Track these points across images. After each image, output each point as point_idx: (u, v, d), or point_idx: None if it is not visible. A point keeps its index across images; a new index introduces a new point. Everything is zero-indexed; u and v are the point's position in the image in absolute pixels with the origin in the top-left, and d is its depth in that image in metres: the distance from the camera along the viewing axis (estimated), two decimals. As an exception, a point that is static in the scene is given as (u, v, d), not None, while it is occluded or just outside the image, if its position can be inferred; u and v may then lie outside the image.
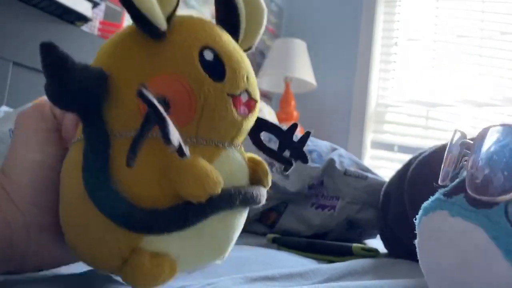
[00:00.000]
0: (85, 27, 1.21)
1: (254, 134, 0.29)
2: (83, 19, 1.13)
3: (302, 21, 2.24)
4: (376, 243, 0.71)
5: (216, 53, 0.25)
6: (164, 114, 0.19)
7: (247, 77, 0.26)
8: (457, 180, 0.25)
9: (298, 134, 0.30)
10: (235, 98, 0.25)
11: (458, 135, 0.27)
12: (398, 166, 0.62)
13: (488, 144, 0.24)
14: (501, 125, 0.24)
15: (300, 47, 1.98)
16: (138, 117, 0.20)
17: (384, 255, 0.57)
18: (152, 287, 0.23)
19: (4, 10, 0.98)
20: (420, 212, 0.26)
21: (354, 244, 0.56)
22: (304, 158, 0.30)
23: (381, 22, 2.10)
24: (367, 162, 1.95)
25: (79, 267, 0.30)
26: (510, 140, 0.23)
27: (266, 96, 2.14)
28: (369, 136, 2.04)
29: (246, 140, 0.29)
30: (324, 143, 0.83)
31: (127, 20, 1.41)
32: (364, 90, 2.04)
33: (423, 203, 0.51)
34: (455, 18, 1.95)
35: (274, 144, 0.30)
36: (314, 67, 2.00)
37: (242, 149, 0.28)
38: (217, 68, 0.24)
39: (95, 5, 1.14)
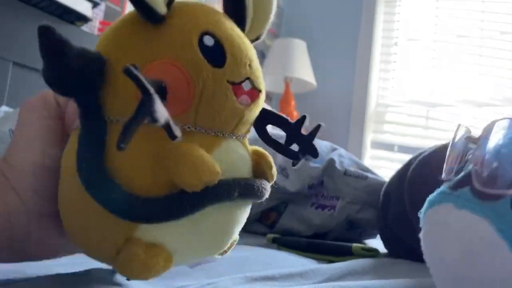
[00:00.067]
0: (85, 27, 1.21)
1: (259, 126, 0.28)
2: (83, 19, 1.13)
3: (302, 21, 2.24)
4: (376, 243, 0.71)
5: (217, 38, 0.24)
6: (152, 92, 0.18)
7: (249, 65, 0.25)
8: (462, 173, 0.25)
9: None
10: (235, 86, 0.24)
11: (462, 130, 0.27)
12: (398, 166, 0.62)
13: (495, 137, 0.24)
14: (508, 118, 0.24)
15: (300, 47, 1.98)
16: (134, 102, 0.19)
17: (384, 255, 0.57)
18: (146, 278, 0.22)
19: (4, 10, 0.98)
20: (425, 205, 0.26)
21: (354, 244, 0.56)
22: (314, 153, 0.28)
23: (381, 22, 2.10)
24: (367, 162, 1.95)
25: (77, 267, 0.30)
26: None
27: (266, 96, 2.13)
28: (369, 136, 2.04)
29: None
30: (324, 143, 0.83)
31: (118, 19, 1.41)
32: (364, 90, 2.04)
33: (423, 203, 0.51)
34: (455, 18, 1.95)
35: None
36: (314, 67, 2.00)
37: (246, 140, 0.27)
38: (217, 54, 0.24)
39: (95, 5, 1.14)
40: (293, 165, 0.29)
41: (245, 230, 0.28)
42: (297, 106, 1.98)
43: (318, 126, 0.29)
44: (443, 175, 0.27)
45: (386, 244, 0.61)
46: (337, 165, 0.73)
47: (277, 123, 0.29)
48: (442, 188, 0.26)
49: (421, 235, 0.26)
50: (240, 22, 0.27)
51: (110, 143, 0.22)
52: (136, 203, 0.21)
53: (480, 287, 0.22)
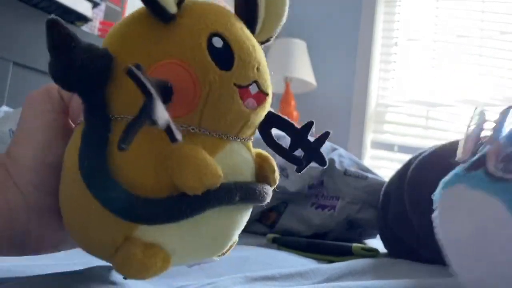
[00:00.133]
0: (85, 27, 1.21)
1: (264, 129, 0.28)
2: (83, 19, 1.13)
3: (302, 21, 2.24)
4: (376, 243, 0.71)
5: (226, 40, 0.24)
6: (154, 93, 0.18)
7: (257, 68, 0.25)
8: (477, 156, 0.26)
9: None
10: (242, 89, 0.24)
11: (478, 112, 0.28)
12: (398, 166, 0.62)
13: (510, 122, 0.25)
14: None
15: (300, 47, 1.98)
16: (140, 101, 0.18)
17: (384, 255, 0.57)
18: (143, 278, 0.22)
19: (4, 10, 0.98)
20: (439, 186, 0.26)
21: (354, 244, 0.56)
22: (322, 161, 0.28)
23: (381, 22, 2.10)
24: (367, 162, 1.95)
25: (77, 267, 0.30)
26: None
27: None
28: (369, 136, 2.04)
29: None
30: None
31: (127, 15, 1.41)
32: (364, 90, 2.04)
33: (423, 203, 0.51)
34: (455, 18, 1.95)
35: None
36: (314, 67, 2.00)
37: (250, 144, 0.27)
38: (225, 56, 0.23)
39: (95, 5, 1.14)
40: (297, 171, 0.28)
41: (245, 230, 0.28)
42: (297, 106, 1.98)
43: (327, 134, 0.28)
44: (458, 157, 0.27)
45: (386, 244, 0.61)
46: (337, 165, 0.73)
47: (283, 127, 0.28)
48: (457, 170, 0.26)
49: (434, 215, 0.26)
50: (251, 23, 0.26)
51: (113, 141, 0.22)
52: (137, 204, 0.21)
53: (494, 264, 0.22)
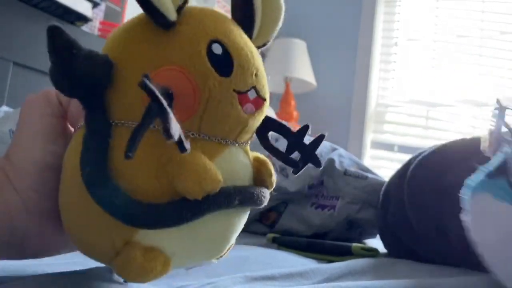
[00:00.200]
0: (85, 27, 1.21)
1: (261, 133, 0.28)
2: (83, 19, 1.13)
3: (302, 21, 2.24)
4: (376, 243, 0.71)
5: (225, 47, 0.24)
6: (166, 106, 0.19)
7: (256, 74, 0.25)
8: (499, 160, 0.29)
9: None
10: (241, 94, 0.24)
11: (500, 106, 0.30)
12: (398, 166, 0.62)
13: None
14: None
15: (300, 47, 1.98)
16: (140, 107, 0.19)
17: (384, 255, 0.57)
18: (143, 282, 0.23)
19: (4, 10, 0.98)
20: (466, 189, 0.28)
21: (354, 244, 0.56)
22: (317, 162, 0.28)
23: (381, 22, 2.10)
24: (367, 162, 1.95)
25: (77, 266, 0.30)
26: None
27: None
28: (369, 136, 2.04)
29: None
30: (324, 143, 0.83)
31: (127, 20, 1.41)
32: (364, 90, 2.04)
33: (423, 203, 0.51)
34: (455, 18, 1.95)
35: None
36: (314, 67, 2.00)
37: (248, 148, 0.27)
38: (224, 62, 0.24)
39: (95, 5, 1.14)
40: (294, 173, 0.29)
41: (245, 230, 0.28)
42: (297, 106, 1.98)
43: (322, 136, 0.29)
44: (484, 149, 0.31)
45: (385, 244, 0.61)
46: (337, 165, 0.73)
47: (279, 131, 0.29)
48: (480, 174, 0.28)
49: (466, 219, 0.29)
50: (248, 28, 0.27)
51: (114, 146, 0.22)
52: (137, 208, 0.22)
53: None
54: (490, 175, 0.27)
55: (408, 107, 2.01)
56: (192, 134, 0.23)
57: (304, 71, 1.93)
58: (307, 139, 0.28)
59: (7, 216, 0.25)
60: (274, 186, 0.28)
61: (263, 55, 0.29)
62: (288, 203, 0.74)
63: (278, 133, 0.29)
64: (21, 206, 0.25)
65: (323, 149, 0.80)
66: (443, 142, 0.55)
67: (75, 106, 0.27)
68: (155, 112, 0.18)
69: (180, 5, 0.23)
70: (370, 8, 2.08)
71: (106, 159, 0.22)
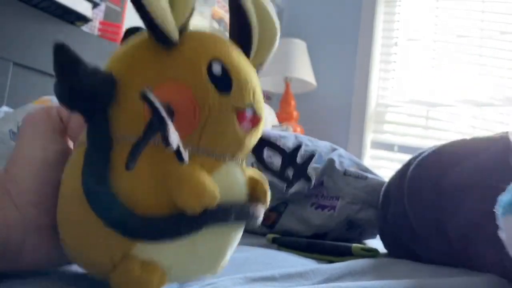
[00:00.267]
0: (85, 27, 1.21)
1: (257, 151, 0.29)
2: (83, 19, 1.13)
3: (302, 21, 2.24)
4: (376, 243, 0.71)
5: (225, 66, 0.25)
6: (166, 116, 0.19)
7: (253, 93, 0.26)
8: None
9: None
10: (239, 112, 0.25)
11: None
12: (398, 166, 0.62)
13: None
14: None
15: (300, 47, 1.98)
16: (141, 122, 0.20)
17: (384, 255, 0.57)
18: None
19: (4, 10, 0.98)
20: (500, 209, 0.28)
21: (354, 245, 0.56)
22: (308, 179, 0.30)
23: (381, 22, 2.10)
24: (367, 162, 1.95)
25: (76, 267, 0.30)
26: None
27: (266, 96, 2.14)
28: (369, 136, 2.04)
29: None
30: (324, 143, 0.83)
31: (127, 20, 1.41)
32: (364, 90, 2.04)
33: (423, 203, 0.51)
34: (455, 18, 1.95)
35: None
36: (314, 67, 2.00)
37: (244, 164, 0.28)
38: (224, 81, 0.25)
39: (95, 5, 1.14)
40: (286, 189, 0.30)
41: (245, 230, 0.29)
42: (297, 106, 1.98)
43: (312, 156, 0.31)
44: None
45: (385, 244, 0.61)
46: (337, 165, 0.73)
47: (274, 149, 0.30)
48: (509, 194, 0.28)
49: (502, 237, 0.29)
50: (245, 48, 0.28)
51: (115, 160, 0.23)
52: (137, 221, 0.22)
53: None
54: None
55: (408, 107, 2.01)
56: (191, 150, 0.24)
57: (304, 71, 1.93)
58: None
59: (4, 230, 0.25)
60: (268, 204, 0.28)
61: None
62: (288, 203, 0.74)
63: (272, 151, 0.30)
64: (20, 221, 0.25)
65: (323, 149, 0.80)
66: (443, 142, 0.55)
67: (75, 122, 0.27)
68: (156, 127, 0.19)
69: (182, 26, 0.24)
70: (370, 8, 2.09)
71: (107, 172, 0.23)
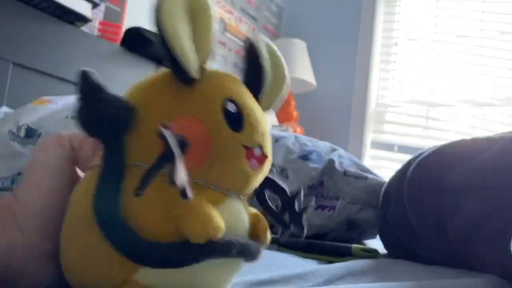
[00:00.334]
0: (85, 28, 1.21)
1: (259, 190, 0.30)
2: (83, 19, 1.13)
3: (302, 21, 2.24)
4: (376, 243, 0.71)
5: (238, 106, 0.26)
6: (177, 155, 0.21)
7: (262, 134, 0.27)
8: None
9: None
10: (248, 150, 0.26)
11: None
12: (398, 166, 0.62)
13: None
14: None
15: (300, 47, 1.98)
16: (155, 152, 0.21)
17: (384, 256, 0.57)
18: None
19: (4, 10, 0.98)
20: None
21: (354, 245, 0.56)
22: (301, 230, 0.30)
23: (381, 22, 2.10)
24: (367, 162, 1.95)
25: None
26: None
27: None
28: (369, 136, 2.04)
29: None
30: (324, 143, 0.83)
31: (127, 21, 1.41)
32: (364, 90, 2.04)
33: (423, 203, 0.51)
34: (455, 18, 1.95)
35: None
36: (314, 67, 2.00)
37: (246, 202, 0.29)
38: (237, 119, 0.26)
39: (94, 5, 1.14)
40: (282, 233, 0.30)
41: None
42: (297, 106, 1.98)
43: (305, 208, 0.31)
44: None
45: (385, 245, 0.61)
46: (337, 165, 0.73)
47: (275, 191, 0.31)
48: None
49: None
50: (257, 93, 0.29)
51: (127, 185, 0.24)
52: (143, 246, 0.23)
53: None
54: None
55: (408, 107, 2.01)
56: (200, 182, 0.25)
57: (304, 71, 1.93)
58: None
59: (7, 254, 0.26)
60: (268, 243, 0.29)
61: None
62: (288, 204, 0.74)
63: (274, 193, 0.31)
64: (22, 245, 0.26)
65: (323, 150, 0.80)
66: (443, 142, 0.54)
67: (86, 151, 0.28)
68: (167, 159, 0.21)
69: (201, 65, 0.26)
70: (370, 8, 2.09)
71: (118, 196, 0.23)
